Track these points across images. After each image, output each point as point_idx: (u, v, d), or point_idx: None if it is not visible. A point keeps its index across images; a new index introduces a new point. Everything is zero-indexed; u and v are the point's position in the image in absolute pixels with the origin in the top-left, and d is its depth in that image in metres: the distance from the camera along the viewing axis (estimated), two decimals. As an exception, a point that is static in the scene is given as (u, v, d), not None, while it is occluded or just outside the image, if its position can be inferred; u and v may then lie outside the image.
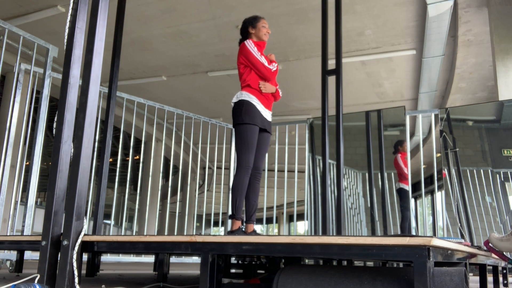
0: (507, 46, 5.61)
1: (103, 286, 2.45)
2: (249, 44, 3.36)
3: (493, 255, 2.41)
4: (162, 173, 12.43)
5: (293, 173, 5.92)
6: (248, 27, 3.50)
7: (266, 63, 3.31)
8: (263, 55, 3.37)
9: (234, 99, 3.32)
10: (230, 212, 3.17)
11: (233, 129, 3.37)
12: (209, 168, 13.99)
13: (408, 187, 4.84)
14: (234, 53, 8.48)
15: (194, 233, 6.15)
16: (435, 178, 4.86)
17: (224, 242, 1.65)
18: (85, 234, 1.97)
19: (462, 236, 4.30)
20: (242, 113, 3.22)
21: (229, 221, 3.45)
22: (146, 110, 5.32)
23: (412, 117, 8.80)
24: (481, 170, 4.41)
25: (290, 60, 8.66)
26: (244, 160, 3.18)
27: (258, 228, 5.58)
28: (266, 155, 3.53)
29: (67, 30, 2.16)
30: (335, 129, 3.45)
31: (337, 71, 3.51)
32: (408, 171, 4.87)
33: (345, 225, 4.73)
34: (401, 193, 4.87)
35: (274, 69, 3.36)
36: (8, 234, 3.95)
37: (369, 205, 4.96)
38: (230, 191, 3.27)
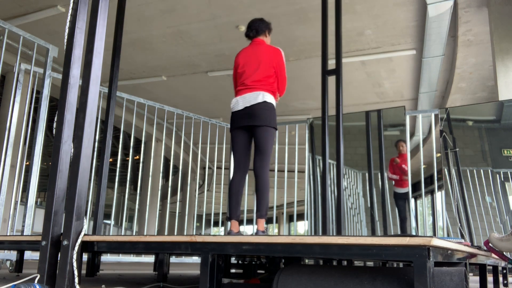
0: (507, 46, 5.61)
1: (103, 286, 2.45)
2: (283, 55, 3.48)
3: (493, 255, 2.41)
4: (162, 173, 12.43)
5: (293, 173, 5.92)
6: (270, 30, 3.60)
7: None
8: None
9: (267, 98, 3.28)
10: (262, 213, 3.24)
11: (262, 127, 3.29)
12: (209, 168, 13.98)
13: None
14: (234, 53, 8.47)
15: (194, 233, 6.15)
16: (435, 178, 4.86)
17: (224, 242, 1.65)
18: (85, 234, 1.97)
19: (462, 236, 4.29)
20: (275, 118, 3.32)
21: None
22: (146, 110, 5.33)
23: (412, 117, 8.82)
24: (481, 170, 4.41)
25: (290, 60, 8.66)
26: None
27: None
28: None
29: (67, 30, 2.16)
30: (335, 129, 3.45)
31: (337, 71, 3.51)
32: (408, 171, 4.87)
33: (345, 225, 4.73)
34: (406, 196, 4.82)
35: None
36: (8, 234, 3.95)
37: (369, 205, 4.96)
38: (264, 193, 3.26)
